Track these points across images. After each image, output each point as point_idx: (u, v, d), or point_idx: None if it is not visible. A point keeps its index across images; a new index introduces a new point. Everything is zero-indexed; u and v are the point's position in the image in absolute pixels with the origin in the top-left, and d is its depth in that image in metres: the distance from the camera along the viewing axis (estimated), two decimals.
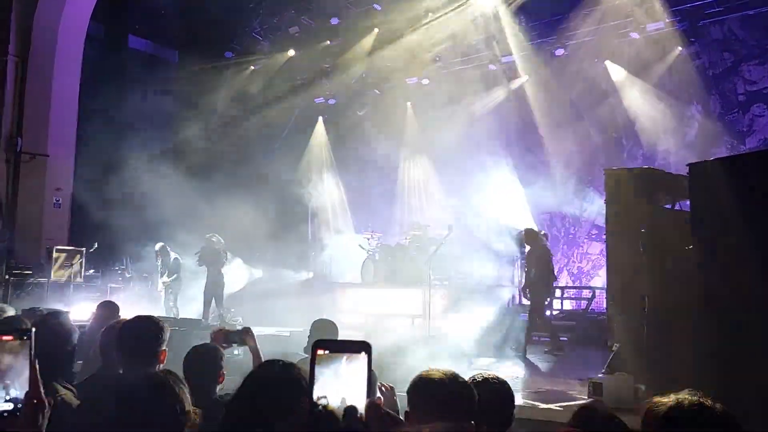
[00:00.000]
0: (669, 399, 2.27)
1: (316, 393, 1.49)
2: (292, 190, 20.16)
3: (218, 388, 3.88)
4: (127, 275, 16.15)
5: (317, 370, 1.52)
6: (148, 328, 3.58)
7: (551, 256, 12.17)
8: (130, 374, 3.36)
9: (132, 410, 2.41)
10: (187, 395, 2.52)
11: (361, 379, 1.51)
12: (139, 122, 18.68)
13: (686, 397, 2.26)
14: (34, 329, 2.15)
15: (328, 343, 1.54)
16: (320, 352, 1.53)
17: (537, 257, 11.49)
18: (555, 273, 12.44)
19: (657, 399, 2.30)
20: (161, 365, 3.59)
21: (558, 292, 15.88)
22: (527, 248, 12.08)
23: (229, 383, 3.73)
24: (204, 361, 3.94)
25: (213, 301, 13.51)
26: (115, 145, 17.01)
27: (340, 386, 1.50)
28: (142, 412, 2.41)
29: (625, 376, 7.55)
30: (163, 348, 3.60)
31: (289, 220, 19.43)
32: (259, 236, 16.77)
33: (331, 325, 5.51)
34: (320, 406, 1.47)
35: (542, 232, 12.75)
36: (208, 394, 3.63)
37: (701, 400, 2.24)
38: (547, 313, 13.18)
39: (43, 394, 2.10)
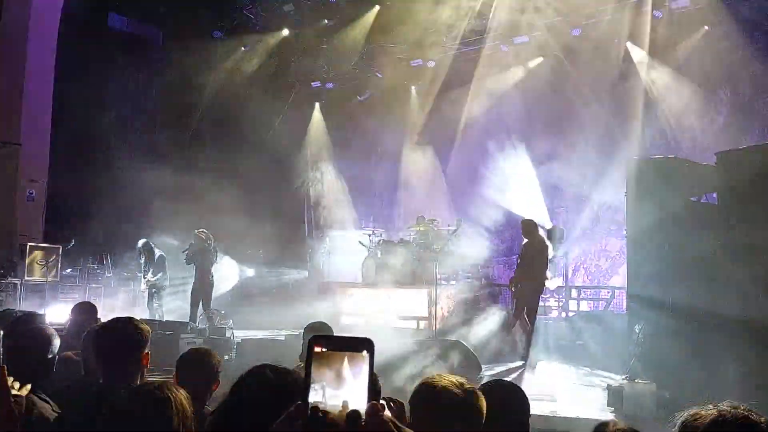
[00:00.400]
0: (709, 411, 2.17)
1: (313, 396, 1.47)
2: (287, 183, 20.18)
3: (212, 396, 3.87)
4: (108, 274, 16.15)
5: (314, 368, 1.49)
6: (126, 332, 3.52)
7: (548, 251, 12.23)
8: (115, 385, 3.33)
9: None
10: (189, 406, 2.50)
11: (362, 381, 1.49)
12: (120, 108, 18.65)
13: (729, 409, 2.15)
14: (2, 333, 2.12)
15: (327, 340, 1.52)
16: (318, 349, 1.51)
17: (538, 251, 11.45)
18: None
19: (695, 411, 2.20)
20: (146, 369, 3.57)
21: (574, 292, 15.88)
22: (525, 241, 12.16)
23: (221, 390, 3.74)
24: (198, 365, 3.94)
25: (201, 302, 13.50)
26: (95, 132, 16.99)
27: (340, 388, 1.48)
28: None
29: (647, 384, 7.54)
30: (146, 351, 3.58)
31: (283, 215, 19.46)
32: (250, 232, 16.78)
33: (326, 328, 5.52)
34: (318, 412, 1.45)
35: (542, 226, 12.83)
36: (200, 402, 3.61)
37: (747, 412, 2.13)
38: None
39: (12, 406, 2.05)
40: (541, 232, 11.80)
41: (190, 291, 13.83)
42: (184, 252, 13.69)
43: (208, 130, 19.54)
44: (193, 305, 13.45)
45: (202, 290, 13.52)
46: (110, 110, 18.06)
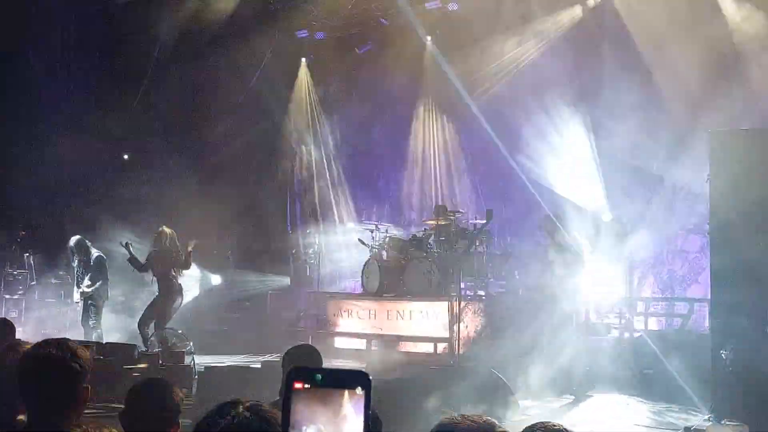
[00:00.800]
0: None
1: None
2: (264, 164, 20.15)
3: None
4: (31, 282, 16.17)
5: (294, 411, 1.49)
6: (60, 360, 3.50)
7: None
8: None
9: None
10: None
11: (357, 427, 1.48)
12: (45, 59, 18.58)
13: None
14: None
15: (310, 374, 1.50)
16: (298, 386, 1.50)
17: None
18: None
19: None
20: (83, 407, 3.56)
21: (640, 306, 15.86)
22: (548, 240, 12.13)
23: None
24: (153, 403, 3.94)
25: (155, 319, 13.46)
26: (19, 105, 17.00)
27: None
28: None
29: (737, 426, 7.54)
30: (85, 385, 3.57)
31: (259, 205, 19.46)
32: (216, 227, 16.79)
33: (311, 354, 5.49)
34: None
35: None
36: None
37: None
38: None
39: None
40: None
41: (142, 305, 13.84)
42: (147, 260, 13.61)
43: (160, 94, 19.48)
44: (144, 323, 13.45)
45: (163, 306, 13.49)
46: (37, 78, 17.97)
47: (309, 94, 21.80)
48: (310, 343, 5.87)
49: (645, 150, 16.22)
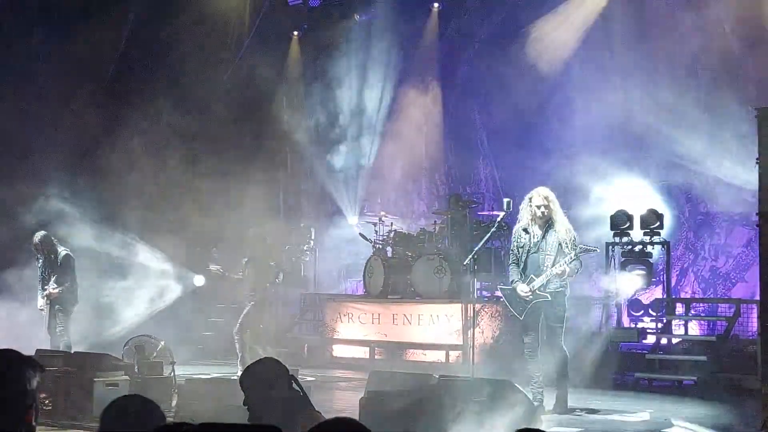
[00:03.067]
0: None
1: None
2: (252, 149, 20.07)
3: None
4: None
5: None
6: (3, 373, 3.50)
7: None
8: None
9: None
10: None
11: None
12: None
13: None
14: None
15: None
16: None
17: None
18: None
19: None
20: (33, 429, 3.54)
21: (679, 308, 15.80)
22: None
23: None
24: (134, 425, 3.88)
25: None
26: None
27: None
28: None
29: None
30: (30, 403, 3.52)
31: (247, 196, 19.37)
32: (198, 221, 16.74)
33: (272, 369, 5.30)
34: None
35: None
36: None
37: None
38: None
39: None
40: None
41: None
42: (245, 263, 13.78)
43: (135, 74, 19.44)
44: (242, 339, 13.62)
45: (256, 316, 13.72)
46: None
47: (301, 72, 21.68)
48: (274, 357, 5.73)
49: (681, 130, 16.19)
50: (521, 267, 10.29)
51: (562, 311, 10.25)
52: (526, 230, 10.25)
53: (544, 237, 10.15)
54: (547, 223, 10.19)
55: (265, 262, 13.76)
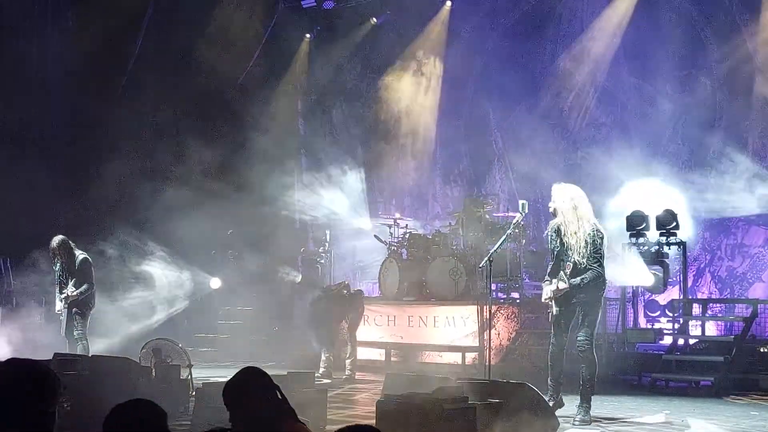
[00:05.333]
0: None
1: None
2: (271, 149, 20.09)
3: None
4: (7, 288, 16.20)
5: None
6: (22, 381, 3.48)
7: None
8: None
9: None
10: None
11: None
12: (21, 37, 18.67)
13: None
14: None
15: None
16: None
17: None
18: None
19: None
20: None
21: (696, 309, 15.78)
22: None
23: None
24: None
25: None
26: None
27: None
28: None
29: None
30: (52, 410, 3.53)
31: (263, 198, 19.41)
32: (213, 223, 16.79)
33: (253, 382, 4.94)
34: None
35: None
36: None
37: None
38: None
39: None
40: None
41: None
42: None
43: (147, 70, 19.48)
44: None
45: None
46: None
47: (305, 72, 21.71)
48: (255, 367, 5.21)
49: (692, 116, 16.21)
50: (555, 265, 10.08)
51: (595, 313, 10.02)
52: (557, 230, 10.03)
53: (572, 236, 9.90)
54: (573, 222, 9.93)
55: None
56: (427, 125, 20.39)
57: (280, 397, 4.77)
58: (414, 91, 20.32)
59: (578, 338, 9.99)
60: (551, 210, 10.14)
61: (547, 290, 9.98)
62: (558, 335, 10.10)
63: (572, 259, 9.83)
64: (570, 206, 9.96)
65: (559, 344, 10.11)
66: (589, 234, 9.84)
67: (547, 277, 10.09)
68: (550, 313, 10.09)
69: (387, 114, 20.71)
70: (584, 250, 9.80)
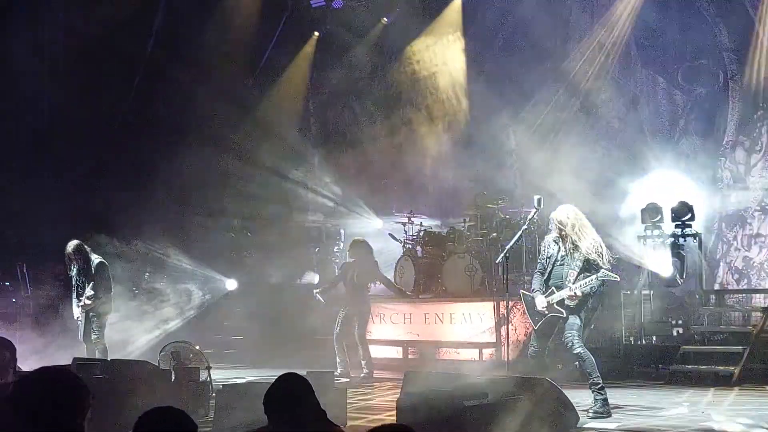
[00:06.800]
0: None
1: None
2: (284, 149, 20.16)
3: None
4: (24, 294, 16.24)
5: None
6: (57, 391, 3.54)
7: None
8: None
9: None
10: None
11: None
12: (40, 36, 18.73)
13: None
14: None
15: None
16: None
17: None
18: None
19: None
20: None
21: (712, 299, 15.75)
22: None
23: None
24: None
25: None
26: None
27: None
28: None
29: None
30: (81, 424, 3.59)
31: (275, 197, 19.46)
32: (231, 224, 16.84)
33: (296, 388, 5.09)
34: None
35: None
36: None
37: None
38: None
39: None
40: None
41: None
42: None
43: (159, 72, 19.54)
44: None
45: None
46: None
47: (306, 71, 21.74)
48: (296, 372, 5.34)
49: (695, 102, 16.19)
50: (545, 277, 10.27)
51: (579, 321, 10.11)
52: (556, 242, 10.21)
53: (571, 252, 10.07)
54: (572, 241, 10.12)
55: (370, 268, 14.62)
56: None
57: (315, 401, 4.93)
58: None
59: (564, 340, 10.16)
60: (551, 226, 10.30)
61: (542, 300, 10.15)
62: (540, 339, 10.41)
63: (573, 267, 10.05)
64: (570, 222, 10.12)
65: (540, 347, 10.43)
66: (590, 244, 10.06)
67: (537, 287, 10.26)
68: (540, 322, 10.26)
69: (397, 111, 20.74)
70: (581, 262, 10.03)
